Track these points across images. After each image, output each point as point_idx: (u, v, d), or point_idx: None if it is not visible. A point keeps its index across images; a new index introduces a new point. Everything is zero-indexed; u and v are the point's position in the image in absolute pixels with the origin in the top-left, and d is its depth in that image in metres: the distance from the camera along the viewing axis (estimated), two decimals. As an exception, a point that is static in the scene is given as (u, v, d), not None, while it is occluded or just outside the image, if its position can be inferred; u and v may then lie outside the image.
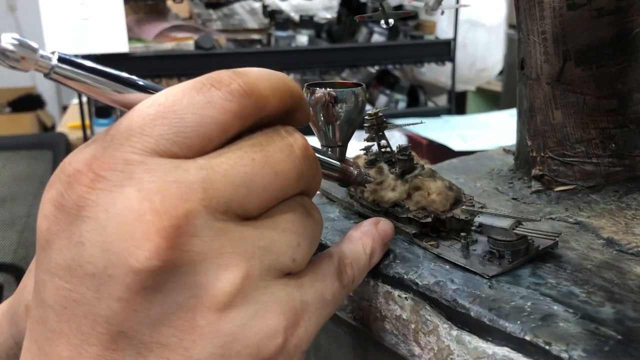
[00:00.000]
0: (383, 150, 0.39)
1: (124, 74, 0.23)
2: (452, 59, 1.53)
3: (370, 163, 0.39)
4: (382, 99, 1.55)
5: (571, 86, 0.39)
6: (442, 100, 1.74)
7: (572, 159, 0.40)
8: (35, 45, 0.21)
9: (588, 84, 0.38)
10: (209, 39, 1.32)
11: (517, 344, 0.25)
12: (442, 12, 0.39)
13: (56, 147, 2.02)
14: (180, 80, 1.59)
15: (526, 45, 0.41)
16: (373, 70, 1.59)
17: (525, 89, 0.41)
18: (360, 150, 0.41)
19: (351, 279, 0.28)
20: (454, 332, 0.28)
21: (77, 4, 1.13)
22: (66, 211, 0.21)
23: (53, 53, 0.22)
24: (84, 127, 1.32)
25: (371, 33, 1.47)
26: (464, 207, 0.34)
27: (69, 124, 2.10)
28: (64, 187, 0.21)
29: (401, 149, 0.38)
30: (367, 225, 0.31)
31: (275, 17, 1.45)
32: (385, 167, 0.37)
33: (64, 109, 3.91)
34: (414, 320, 0.30)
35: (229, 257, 0.21)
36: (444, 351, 0.29)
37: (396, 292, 0.31)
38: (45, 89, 4.30)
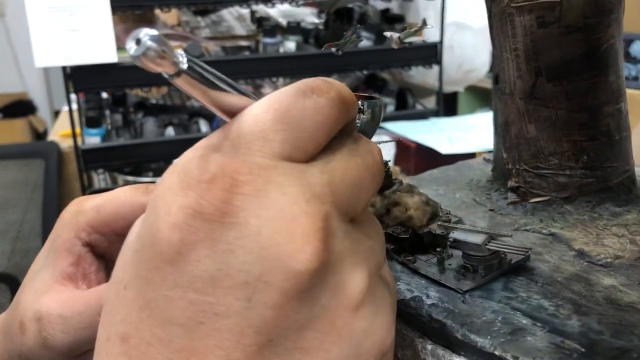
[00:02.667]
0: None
1: (226, 78, 0.23)
2: (439, 62, 1.54)
3: (351, 179, 0.40)
4: (370, 103, 1.56)
5: (543, 101, 0.40)
6: (431, 102, 1.75)
7: (546, 171, 0.41)
8: (168, 42, 0.20)
9: (559, 98, 0.40)
10: (197, 47, 1.32)
11: (487, 358, 0.27)
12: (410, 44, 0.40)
13: (48, 156, 2.02)
14: (169, 89, 1.60)
15: (500, 61, 0.42)
16: (361, 74, 1.60)
17: (500, 104, 0.43)
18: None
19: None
20: (429, 347, 0.29)
21: (66, 16, 1.14)
22: (207, 219, 0.20)
23: (182, 55, 0.21)
24: (74, 135, 1.33)
25: (359, 38, 1.48)
26: (439, 222, 0.36)
27: (60, 132, 2.10)
28: (200, 193, 0.20)
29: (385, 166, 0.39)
30: None
31: (263, 24, 1.46)
32: (364, 183, 0.39)
33: (56, 114, 3.90)
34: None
35: (357, 257, 0.22)
36: (420, 364, 0.30)
37: (375, 308, 0.32)
38: (37, 94, 4.29)
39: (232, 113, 0.23)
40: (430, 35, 1.63)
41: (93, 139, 1.34)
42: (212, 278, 0.19)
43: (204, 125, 1.43)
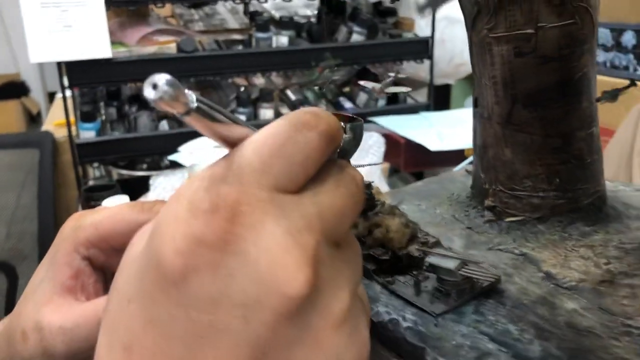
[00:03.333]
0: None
1: (227, 112, 0.25)
2: (430, 57, 1.56)
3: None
4: (362, 97, 1.58)
5: (519, 126, 0.42)
6: (423, 94, 1.77)
7: (520, 193, 0.43)
8: (180, 86, 0.22)
9: (534, 124, 0.42)
10: (191, 42, 1.33)
11: (455, 381, 0.29)
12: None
13: (43, 146, 2.04)
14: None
15: (479, 87, 0.44)
16: (353, 68, 1.62)
17: (479, 126, 0.45)
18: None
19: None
20: (403, 367, 0.32)
21: (59, 12, 1.14)
22: (209, 246, 0.21)
23: (191, 95, 0.22)
24: (69, 129, 1.34)
25: (350, 32, 1.50)
26: (418, 243, 0.38)
27: (55, 121, 2.11)
28: (204, 223, 0.22)
29: (366, 187, 0.41)
30: None
31: (256, 18, 1.47)
32: (348, 204, 0.41)
33: (50, 96, 3.88)
34: (370, 355, 0.34)
35: (340, 279, 0.24)
36: (395, 383, 0.32)
37: (355, 328, 0.35)
38: (29, 76, 4.27)
39: (233, 144, 0.25)
40: (422, 29, 1.64)
41: (88, 134, 1.36)
42: (213, 299, 0.21)
43: (197, 119, 1.43)
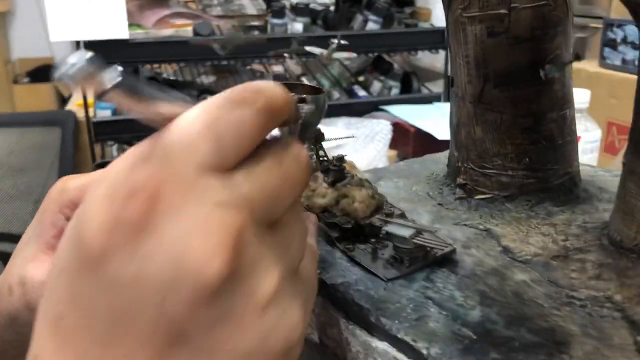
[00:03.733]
0: (321, 160, 0.44)
1: (158, 90, 0.25)
2: (445, 47, 1.56)
3: (308, 171, 0.43)
4: (376, 85, 1.58)
5: (490, 105, 0.43)
6: (439, 85, 1.77)
7: (490, 171, 0.44)
8: (100, 63, 0.22)
9: (505, 104, 0.43)
10: (206, 26, 1.36)
11: (393, 340, 0.30)
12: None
13: (65, 124, 2.09)
14: (178, 65, 1.64)
15: (454, 66, 0.45)
16: (367, 57, 1.62)
17: (454, 106, 0.46)
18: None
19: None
20: (350, 327, 0.33)
21: (78, -8, 1.18)
22: (127, 229, 0.22)
23: (109, 75, 0.23)
24: (85, 104, 1.38)
25: (366, 21, 1.50)
26: (381, 215, 0.39)
27: (77, 101, 2.16)
28: (121, 205, 0.22)
29: (336, 159, 0.43)
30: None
31: (272, 5, 1.48)
32: (320, 176, 0.42)
33: (80, 80, 3.94)
34: (323, 314, 0.35)
35: (269, 262, 0.24)
36: (343, 342, 0.34)
37: (311, 290, 0.36)
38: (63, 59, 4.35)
39: (164, 123, 0.24)
40: (438, 20, 1.64)
41: (104, 112, 1.39)
42: (131, 280, 0.22)
43: (211, 102, 1.45)
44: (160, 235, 0.22)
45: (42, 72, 4.83)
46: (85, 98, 1.36)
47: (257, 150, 0.25)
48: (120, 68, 0.24)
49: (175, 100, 0.25)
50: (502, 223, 0.41)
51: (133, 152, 0.24)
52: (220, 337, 0.23)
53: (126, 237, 0.22)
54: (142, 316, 0.22)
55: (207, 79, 1.56)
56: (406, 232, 0.35)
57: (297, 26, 1.45)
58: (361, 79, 1.68)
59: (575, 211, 0.42)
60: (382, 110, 1.45)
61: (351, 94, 1.60)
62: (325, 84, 1.66)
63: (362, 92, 1.59)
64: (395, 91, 1.57)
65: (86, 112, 1.37)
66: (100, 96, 0.23)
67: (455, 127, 0.46)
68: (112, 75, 0.23)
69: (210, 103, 0.25)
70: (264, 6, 1.60)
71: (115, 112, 1.42)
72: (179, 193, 0.22)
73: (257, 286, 0.23)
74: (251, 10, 1.56)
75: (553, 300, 0.32)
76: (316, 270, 0.30)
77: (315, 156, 0.44)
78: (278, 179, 0.25)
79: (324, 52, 0.42)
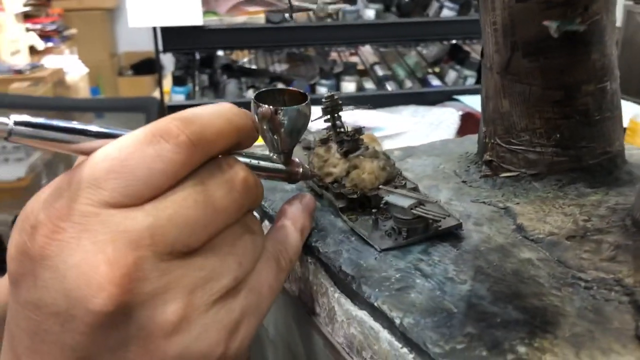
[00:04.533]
0: (338, 131, 0.42)
1: (78, 125, 0.26)
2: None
3: (323, 142, 0.42)
4: (451, 75, 1.53)
5: (518, 76, 0.40)
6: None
7: (517, 147, 0.41)
8: None
9: (534, 75, 0.40)
10: (278, 15, 1.37)
11: (371, 308, 0.29)
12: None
13: (149, 110, 2.19)
14: (250, 53, 1.67)
15: (483, 35, 0.42)
16: (442, 44, 1.57)
17: (483, 77, 0.43)
18: (323, 129, 0.44)
19: (288, 262, 0.31)
20: (336, 295, 0.32)
21: (156, -20, 1.22)
22: (30, 258, 0.24)
23: (9, 117, 0.25)
24: (161, 88, 1.44)
25: (441, 7, 1.46)
26: (387, 186, 0.37)
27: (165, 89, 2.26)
28: (27, 236, 0.24)
29: (354, 131, 0.42)
30: (295, 204, 0.35)
31: (344, -8, 1.48)
32: (333, 146, 0.41)
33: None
34: (315, 283, 0.34)
35: (174, 292, 0.25)
36: (331, 311, 0.33)
37: (306, 257, 0.35)
38: (166, 55, 4.58)
39: (87, 154, 0.26)
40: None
41: (178, 97, 1.44)
42: (35, 304, 0.24)
43: (281, 89, 1.47)
44: (57, 266, 0.23)
45: (144, 65, 5.10)
46: (161, 86, 1.42)
47: (182, 180, 0.26)
48: (16, 118, 0.25)
49: (98, 134, 0.26)
50: (524, 202, 0.38)
51: (50, 185, 0.26)
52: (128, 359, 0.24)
53: (29, 266, 0.24)
54: (49, 337, 0.24)
55: (280, 67, 1.57)
56: (405, 202, 0.34)
57: (369, 13, 1.43)
58: (437, 69, 1.63)
59: (609, 193, 0.39)
60: (456, 100, 1.40)
61: (425, 83, 1.56)
62: (401, 73, 1.63)
63: (436, 82, 1.55)
64: (471, 81, 1.51)
65: (161, 97, 1.43)
66: (7, 139, 0.25)
67: (483, 100, 0.43)
68: (4, 126, 0.24)
69: (130, 138, 0.25)
70: (338, -6, 1.59)
71: (188, 96, 1.47)
72: (78, 228, 0.24)
73: (160, 314, 0.24)
74: (326, -2, 1.56)
75: (556, 280, 0.30)
76: (277, 278, 0.30)
77: (332, 127, 0.43)
78: (192, 208, 0.25)
79: (554, 25, 0.40)
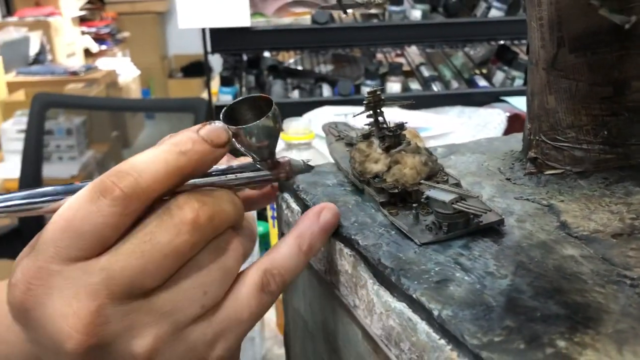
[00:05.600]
0: (380, 126, 0.43)
1: (35, 190, 0.31)
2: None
3: (365, 137, 0.42)
4: (499, 75, 1.51)
5: (564, 72, 0.39)
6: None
7: (562, 144, 0.40)
8: None
9: (581, 70, 0.39)
10: (324, 14, 1.38)
11: (410, 301, 0.29)
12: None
13: (198, 110, 2.23)
14: (296, 54, 1.68)
15: (528, 30, 0.42)
16: (489, 45, 1.55)
17: (529, 73, 0.43)
18: (365, 125, 0.44)
19: (279, 284, 0.32)
20: (375, 287, 0.32)
21: (206, -17, 1.25)
22: (17, 309, 0.29)
23: None
24: (209, 89, 1.47)
25: (489, 7, 1.43)
26: (429, 182, 0.37)
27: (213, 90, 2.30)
28: (11, 292, 0.28)
29: (396, 126, 0.42)
30: (309, 219, 0.35)
31: (391, -8, 1.47)
32: (375, 141, 0.41)
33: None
34: (354, 275, 0.35)
35: (139, 329, 0.28)
36: (370, 303, 0.33)
37: (346, 250, 0.35)
38: (214, 57, 4.68)
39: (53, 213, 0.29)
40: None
41: (226, 97, 1.47)
42: (34, 340, 0.29)
43: (326, 90, 1.49)
44: (37, 317, 0.28)
45: (193, 68, 5.20)
46: (209, 87, 1.45)
47: (135, 226, 0.29)
48: None
49: (58, 192, 0.31)
50: (569, 200, 0.38)
51: (31, 243, 0.30)
52: None
53: (20, 316, 0.29)
54: None
55: (326, 68, 1.58)
56: (446, 197, 0.34)
57: (416, 13, 1.43)
58: (484, 70, 1.61)
59: (659, 192, 0.37)
60: (503, 101, 1.38)
61: (471, 84, 1.54)
62: (447, 74, 1.61)
63: (483, 83, 1.53)
64: (519, 82, 1.48)
65: (209, 98, 1.46)
66: None
67: (529, 96, 0.43)
68: None
69: (76, 197, 0.28)
70: (385, -6, 1.58)
71: (235, 96, 1.49)
72: (47, 285, 0.28)
73: (131, 349, 0.28)
74: (373, -1, 1.56)
75: (600, 278, 0.29)
76: (260, 303, 0.32)
77: (374, 122, 0.43)
78: (141, 257, 0.28)
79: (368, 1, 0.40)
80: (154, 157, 0.29)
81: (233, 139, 0.32)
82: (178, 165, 0.29)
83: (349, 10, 0.50)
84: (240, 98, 0.35)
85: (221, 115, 0.33)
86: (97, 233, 0.28)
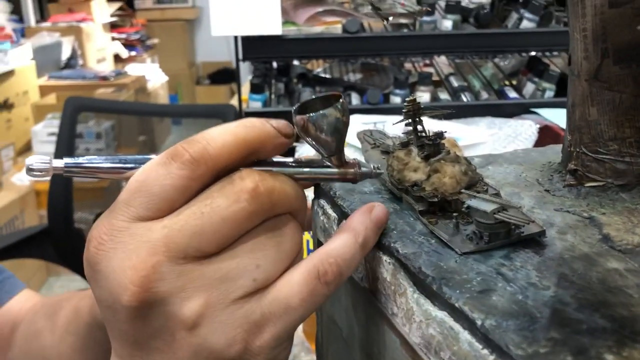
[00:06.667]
0: (419, 135, 0.43)
1: (117, 156, 0.33)
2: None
3: (403, 145, 0.42)
4: (529, 87, 1.49)
5: (608, 84, 0.39)
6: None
7: (604, 156, 0.40)
8: (49, 160, 0.32)
9: (626, 82, 0.38)
10: (355, 23, 1.38)
11: (452, 309, 0.29)
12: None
13: (226, 117, 2.26)
14: (325, 62, 1.69)
15: (571, 41, 0.41)
16: (521, 56, 1.54)
17: (570, 85, 0.42)
18: (402, 133, 0.44)
19: (337, 274, 0.32)
20: (415, 295, 0.32)
21: (239, -9, 1.26)
22: (89, 264, 0.30)
23: (62, 158, 0.32)
24: (239, 96, 1.48)
25: (521, 19, 1.42)
26: (468, 191, 0.37)
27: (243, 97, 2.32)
28: (87, 248, 0.30)
29: (435, 135, 0.42)
30: (362, 214, 0.35)
31: (422, 2, 1.47)
32: (414, 150, 0.41)
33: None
34: (393, 283, 0.35)
35: (191, 291, 0.29)
36: (409, 311, 0.33)
37: (385, 257, 0.36)
38: (242, 65, 4.72)
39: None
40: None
41: (255, 104, 1.48)
42: (99, 299, 0.31)
43: (355, 98, 1.49)
44: (103, 270, 0.30)
45: (221, 75, 5.26)
46: (239, 93, 1.46)
47: (198, 193, 0.30)
48: (66, 160, 0.33)
49: (136, 160, 0.33)
50: (610, 212, 0.37)
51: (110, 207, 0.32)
52: (162, 345, 0.30)
53: (90, 271, 0.30)
54: (110, 325, 0.31)
55: (354, 76, 1.59)
56: (488, 207, 0.33)
57: (447, 24, 1.42)
58: (514, 81, 1.60)
59: None
60: (533, 112, 1.37)
61: (501, 95, 1.53)
62: (476, 84, 1.61)
63: (513, 94, 1.51)
64: (549, 93, 1.47)
65: (239, 104, 1.47)
66: (62, 175, 0.33)
67: (570, 108, 0.42)
68: (59, 164, 0.32)
69: (150, 162, 0.31)
70: (415, 6, 1.59)
71: (265, 103, 1.50)
72: (115, 240, 0.29)
73: (180, 310, 0.29)
74: (401, 9, 1.56)
75: (646, 292, 0.29)
76: (312, 292, 0.31)
77: (413, 130, 0.43)
78: (201, 220, 0.29)
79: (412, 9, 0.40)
80: (224, 129, 0.31)
81: (301, 131, 0.33)
82: (246, 139, 0.31)
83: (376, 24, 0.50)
84: (313, 97, 0.35)
85: (292, 111, 0.33)
86: (164, 194, 0.29)
